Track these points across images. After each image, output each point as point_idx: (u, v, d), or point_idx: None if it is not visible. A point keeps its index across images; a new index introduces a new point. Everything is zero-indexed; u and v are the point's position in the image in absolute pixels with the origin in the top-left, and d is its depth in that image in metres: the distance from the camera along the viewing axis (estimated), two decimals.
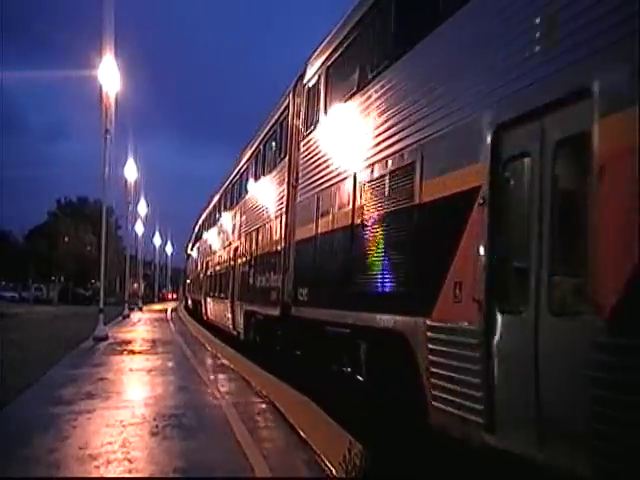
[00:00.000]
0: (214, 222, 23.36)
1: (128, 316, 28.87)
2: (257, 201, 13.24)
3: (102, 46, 16.92)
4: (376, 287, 6.05)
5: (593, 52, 3.38)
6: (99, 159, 17.45)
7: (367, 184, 6.35)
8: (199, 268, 29.28)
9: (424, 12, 5.51)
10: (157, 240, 64.98)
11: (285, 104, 10.75)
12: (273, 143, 12.19)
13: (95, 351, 13.30)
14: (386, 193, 5.87)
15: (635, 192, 3.01)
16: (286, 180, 10.21)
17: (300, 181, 9.11)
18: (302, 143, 9.17)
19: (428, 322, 4.87)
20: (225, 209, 19.95)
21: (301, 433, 5.58)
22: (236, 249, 16.31)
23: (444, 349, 4.65)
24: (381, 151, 6.03)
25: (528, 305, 3.80)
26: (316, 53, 8.69)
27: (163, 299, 75.09)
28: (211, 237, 24.27)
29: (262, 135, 13.26)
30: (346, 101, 7.16)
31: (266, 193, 12.20)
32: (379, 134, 6.12)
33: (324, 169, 7.82)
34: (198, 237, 31.73)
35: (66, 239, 63.53)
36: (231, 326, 15.96)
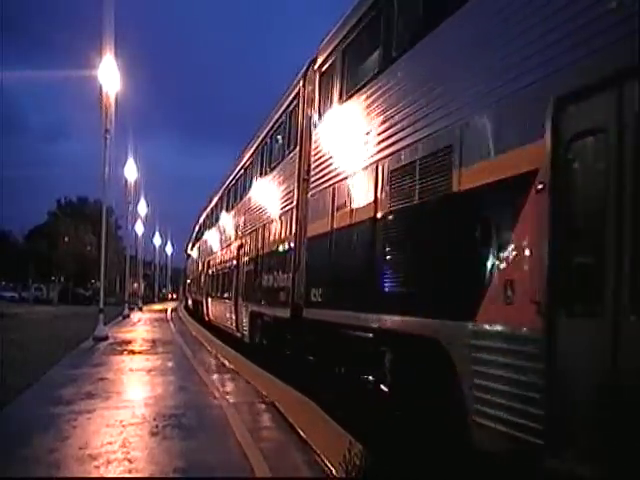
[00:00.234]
0: (216, 220, 22.73)
1: (128, 316, 28.94)
2: (263, 196, 12.58)
3: (102, 46, 17.08)
4: (404, 286, 5.42)
5: None
6: (99, 159, 17.55)
7: (393, 172, 5.71)
8: (200, 268, 28.80)
9: None
10: (157, 240, 65.17)
11: (295, 92, 10.08)
12: (281, 135, 11.48)
13: (95, 351, 13.28)
14: (416, 181, 5.24)
15: None
16: (296, 173, 9.56)
17: (312, 173, 8.46)
18: (315, 132, 8.53)
19: (471, 327, 4.25)
20: (228, 206, 19.34)
21: (301, 433, 5.57)
22: (240, 247, 15.67)
23: (492, 358, 4.03)
24: (410, 135, 5.39)
25: (605, 307, 3.19)
26: (330, 36, 8.06)
27: (163, 299, 75.17)
28: (213, 235, 23.68)
29: (268, 127, 12.57)
30: (367, 83, 6.53)
31: (273, 188, 11.55)
32: (407, 116, 5.49)
33: (341, 158, 7.17)
34: (199, 236, 31.32)
35: (66, 239, 63.74)
36: (234, 328, 15.34)
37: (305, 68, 9.49)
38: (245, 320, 13.71)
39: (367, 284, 6.15)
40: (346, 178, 6.98)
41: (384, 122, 5.99)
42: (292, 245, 9.58)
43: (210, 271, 23.41)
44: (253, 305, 12.90)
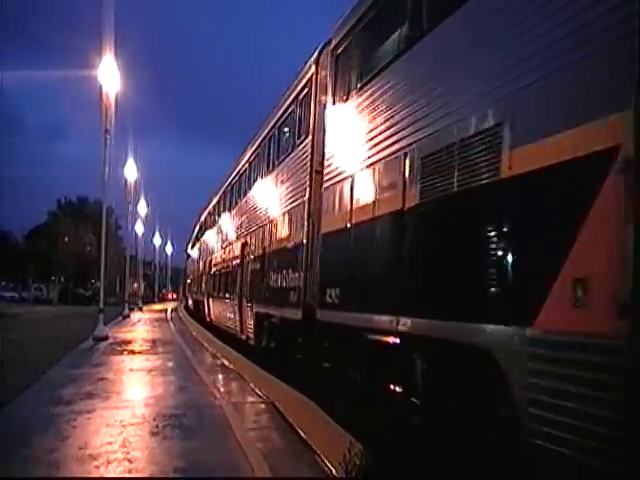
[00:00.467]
0: (218, 218, 22.13)
1: (128, 316, 29.02)
2: (271, 191, 11.95)
3: (102, 46, 17.20)
4: (441, 286, 4.79)
5: None
6: (99, 159, 17.79)
7: (425, 158, 5.09)
8: (201, 267, 28.29)
9: None
10: (157, 240, 65.10)
11: (307, 78, 9.43)
12: (290, 125, 10.83)
13: (95, 351, 13.32)
14: (455, 167, 4.60)
15: None
16: (308, 164, 8.93)
17: (327, 164, 7.82)
18: (329, 120, 7.90)
19: (529, 333, 3.63)
20: (231, 203, 18.75)
21: (301, 433, 5.57)
22: (244, 245, 15.05)
23: (557, 371, 3.41)
24: (446, 115, 4.76)
25: None
26: (347, 14, 7.43)
27: (163, 299, 75.13)
28: (215, 234, 23.10)
29: (276, 118, 11.94)
30: (394, 60, 5.90)
31: (282, 181, 10.92)
32: (443, 94, 4.87)
33: (362, 146, 6.54)
34: (200, 235, 30.86)
35: (66, 239, 63.90)
36: (238, 329, 14.74)
37: (318, 52, 8.88)
38: (250, 322, 13.10)
39: (394, 284, 5.52)
40: (367, 167, 6.36)
41: (414, 102, 5.36)
42: (303, 242, 8.95)
43: (212, 270, 22.82)
44: (259, 306, 12.29)
